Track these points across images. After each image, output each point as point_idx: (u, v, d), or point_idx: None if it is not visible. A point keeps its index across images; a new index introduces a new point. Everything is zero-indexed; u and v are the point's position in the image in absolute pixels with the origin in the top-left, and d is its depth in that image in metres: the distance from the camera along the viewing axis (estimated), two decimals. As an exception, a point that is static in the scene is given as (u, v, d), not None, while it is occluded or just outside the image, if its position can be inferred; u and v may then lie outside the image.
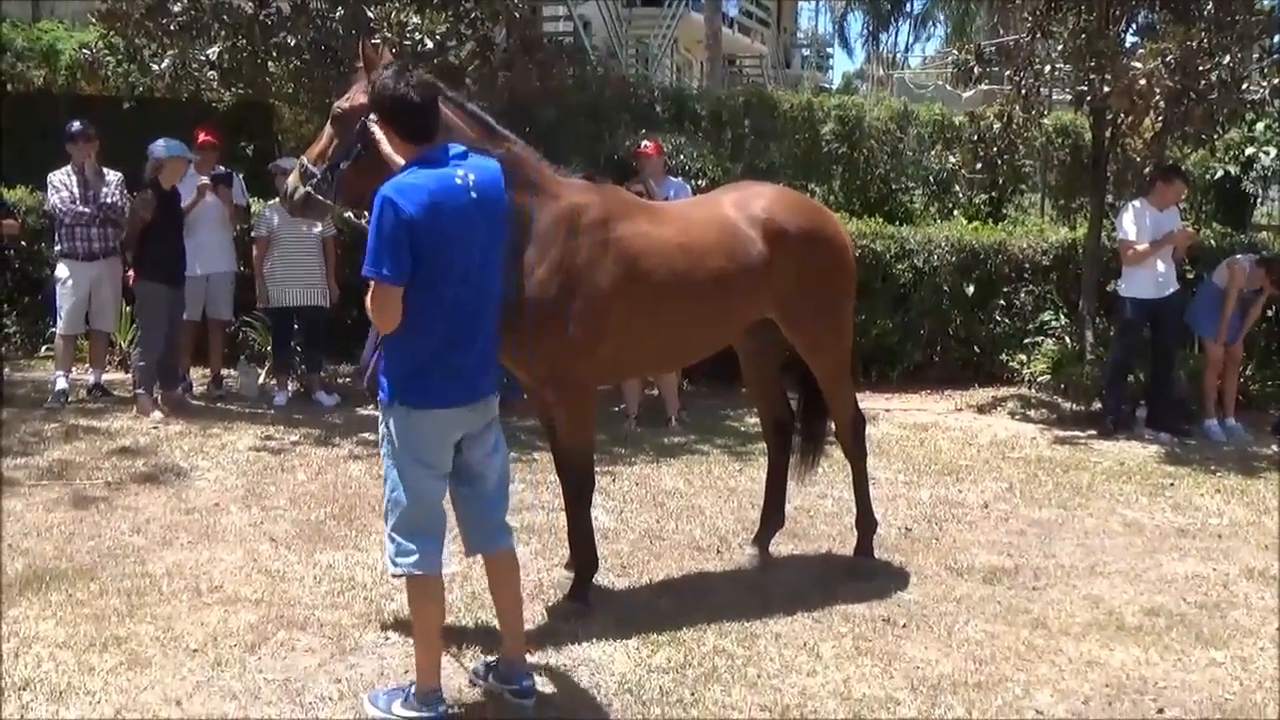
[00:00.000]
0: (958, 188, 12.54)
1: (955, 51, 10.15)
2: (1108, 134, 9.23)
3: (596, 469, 4.89)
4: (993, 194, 12.60)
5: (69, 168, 8.33)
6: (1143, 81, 7.87)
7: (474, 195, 3.57)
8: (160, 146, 8.07)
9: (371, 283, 3.51)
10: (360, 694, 3.90)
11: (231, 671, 4.08)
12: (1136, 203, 8.49)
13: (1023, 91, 9.01)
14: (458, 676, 4.04)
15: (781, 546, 5.57)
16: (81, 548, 5.31)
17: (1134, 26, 9.49)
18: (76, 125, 8.34)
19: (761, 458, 5.77)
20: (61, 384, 8.27)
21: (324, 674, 4.08)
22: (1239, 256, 8.72)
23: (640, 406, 8.39)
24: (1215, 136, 9.59)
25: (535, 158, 4.55)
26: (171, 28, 8.23)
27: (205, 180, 8.45)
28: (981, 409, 9.25)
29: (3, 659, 4.10)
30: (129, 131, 8.91)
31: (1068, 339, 9.37)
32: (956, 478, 7.10)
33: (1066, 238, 10.37)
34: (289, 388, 8.69)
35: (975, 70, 9.47)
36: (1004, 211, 12.60)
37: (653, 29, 25.75)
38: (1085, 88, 8.54)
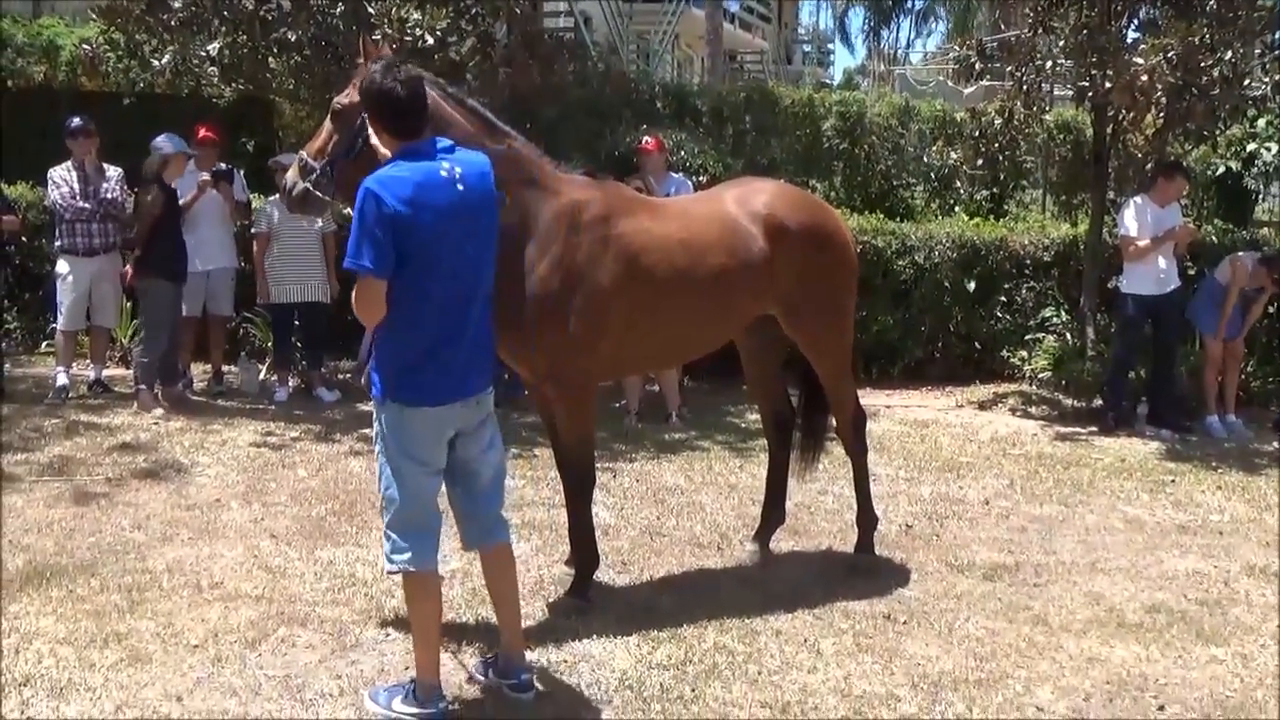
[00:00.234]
0: (959, 184, 12.51)
1: (956, 47, 10.11)
2: (1109, 130, 9.22)
3: (597, 465, 4.89)
4: (994, 190, 12.58)
5: (69, 163, 8.33)
6: (1144, 77, 7.86)
7: (460, 188, 3.55)
8: (165, 142, 8.07)
9: (356, 275, 3.50)
10: (361, 690, 3.90)
11: (232, 668, 4.08)
12: (1138, 199, 8.48)
13: (1024, 87, 9.00)
14: (458, 673, 4.04)
15: (782, 543, 5.57)
16: (82, 544, 5.32)
17: (1136, 22, 9.47)
18: (77, 121, 8.33)
19: (762, 454, 5.77)
20: (62, 380, 8.28)
21: (324, 670, 4.08)
22: (1242, 254, 8.71)
23: (641, 402, 8.39)
24: (1217, 133, 9.58)
25: (536, 154, 4.55)
26: (172, 23, 8.23)
27: (206, 177, 8.44)
28: (982, 405, 9.25)
29: (3, 655, 4.10)
30: (129, 127, 8.92)
31: (1069, 335, 9.36)
32: (957, 474, 7.10)
33: (1068, 234, 10.36)
34: (289, 383, 8.69)
35: (977, 66, 9.45)
36: (1005, 208, 12.58)
37: (654, 24, 25.76)
38: (1087, 83, 8.54)
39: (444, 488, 3.81)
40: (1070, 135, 12.46)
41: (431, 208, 3.47)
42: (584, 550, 4.76)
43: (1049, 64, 8.97)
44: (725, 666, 4.20)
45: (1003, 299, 9.98)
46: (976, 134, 9.71)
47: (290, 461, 6.86)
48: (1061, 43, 8.74)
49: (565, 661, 4.18)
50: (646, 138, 8.74)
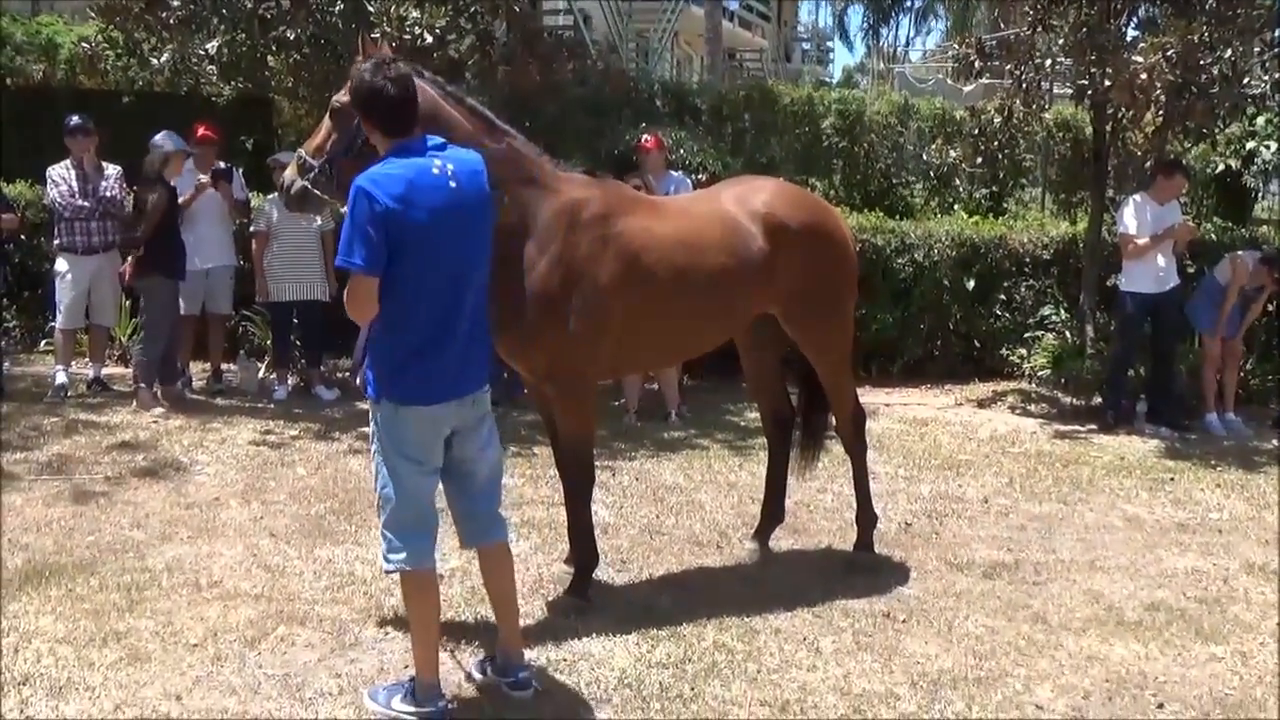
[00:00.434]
0: (958, 182, 12.52)
1: (956, 45, 10.12)
2: (1108, 128, 9.22)
3: (596, 464, 4.89)
4: (993, 188, 12.59)
5: (68, 162, 8.32)
6: (1144, 76, 7.85)
7: (453, 185, 3.55)
8: (165, 140, 8.07)
9: (348, 273, 3.50)
10: (360, 689, 3.90)
11: (231, 666, 4.08)
12: (1137, 197, 8.48)
13: (1023, 86, 9.00)
14: (457, 671, 4.04)
15: (781, 541, 5.57)
16: (81, 542, 5.31)
17: (1135, 20, 9.48)
18: (75, 119, 8.32)
19: (761, 452, 5.77)
20: (61, 378, 8.27)
21: (324, 669, 4.08)
22: (1242, 253, 8.70)
23: (640, 401, 8.39)
24: (1216, 131, 9.57)
25: (535, 152, 4.54)
26: (171, 22, 8.23)
27: (204, 178, 8.43)
28: (982, 404, 9.25)
29: (2, 654, 4.10)
30: (128, 126, 8.91)
31: (1068, 334, 9.36)
32: (956, 472, 7.10)
33: (1067, 232, 10.36)
34: (289, 382, 8.68)
35: (976, 64, 9.44)
36: (1004, 206, 12.59)
37: (653, 23, 25.73)
38: (1086, 82, 8.53)
39: (442, 486, 3.81)
40: (1069, 133, 12.48)
41: (424, 205, 3.47)
42: (583, 549, 4.76)
43: (1048, 62, 8.97)
44: (725, 665, 4.20)
45: (1002, 297, 9.98)
46: (976, 132, 9.70)
47: (289, 460, 6.85)
48: (1061, 41, 8.74)
49: (564, 660, 4.18)
50: (646, 136, 8.73)
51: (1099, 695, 4.10)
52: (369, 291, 3.48)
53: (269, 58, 8.45)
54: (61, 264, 8.34)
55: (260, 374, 8.99)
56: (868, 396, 7.46)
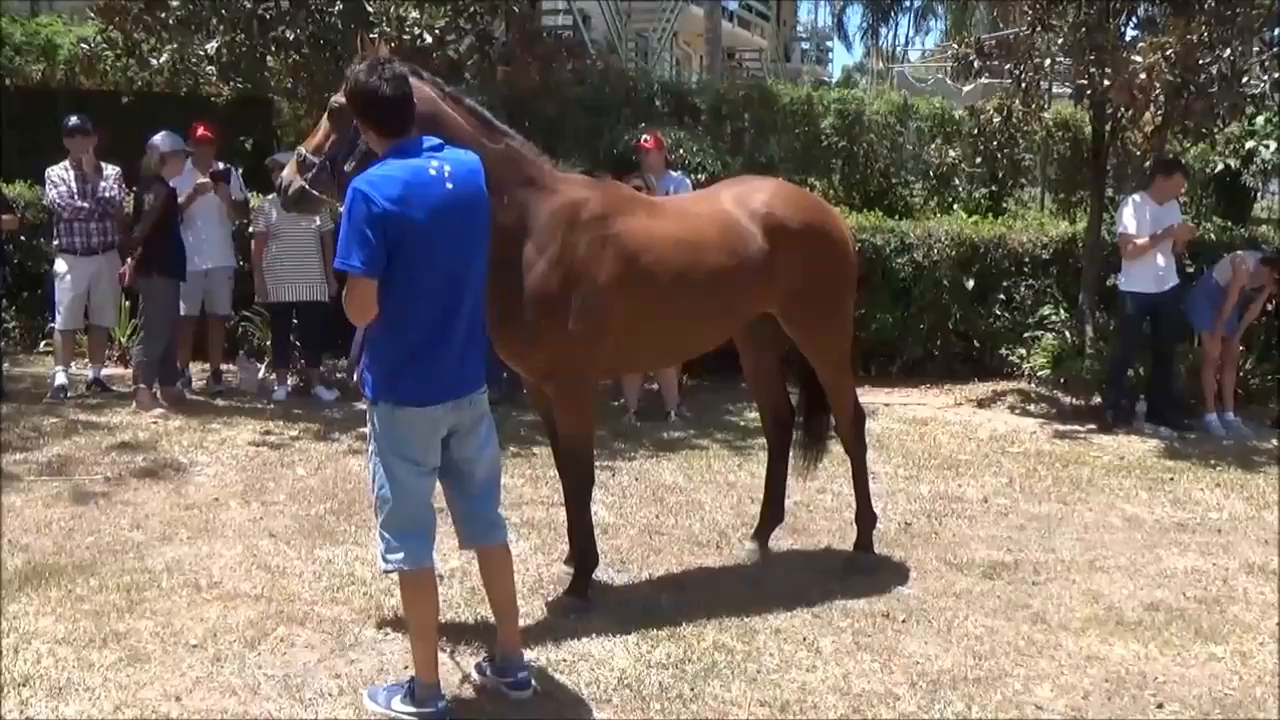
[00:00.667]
0: (957, 182, 12.53)
1: (955, 45, 10.12)
2: (1108, 128, 9.21)
3: (596, 464, 4.89)
4: (993, 188, 12.58)
5: (67, 162, 8.31)
6: (1143, 75, 7.86)
7: (450, 186, 3.54)
8: (163, 140, 8.07)
9: (346, 276, 3.50)
10: (360, 690, 3.90)
11: (231, 667, 4.07)
12: (1136, 197, 8.48)
13: (1023, 85, 9.00)
14: (456, 672, 4.04)
15: (781, 541, 5.57)
16: (81, 543, 5.31)
17: (1134, 20, 9.48)
18: (74, 120, 8.31)
19: (761, 452, 5.77)
20: (61, 379, 8.27)
21: (324, 670, 4.07)
22: (1243, 253, 8.69)
23: (640, 401, 8.39)
24: (1215, 130, 9.57)
25: (534, 153, 4.54)
26: (170, 22, 8.23)
27: (204, 180, 8.42)
28: (981, 403, 9.25)
29: (2, 655, 4.10)
30: (128, 126, 8.90)
31: (1067, 333, 9.36)
32: (956, 472, 7.10)
33: (1066, 232, 10.36)
34: (288, 382, 8.68)
35: (975, 64, 9.45)
36: (1004, 206, 12.58)
37: (652, 23, 25.75)
38: (1085, 81, 8.53)
39: (440, 487, 3.81)
40: (1069, 133, 12.47)
41: (421, 206, 3.46)
42: (583, 549, 4.76)
43: (1047, 62, 8.97)
44: (724, 665, 4.20)
45: (1001, 297, 9.98)
46: (975, 132, 9.71)
47: (289, 460, 6.85)
48: (1060, 40, 8.74)
49: (564, 660, 4.18)
50: (645, 136, 8.74)
51: (1098, 695, 4.10)
52: (368, 294, 3.48)
53: (268, 58, 8.45)
54: (61, 265, 8.34)
55: (260, 374, 8.99)
56: (867, 396, 7.46)
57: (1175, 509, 6.47)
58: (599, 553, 4.89)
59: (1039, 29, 8.91)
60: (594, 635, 4.37)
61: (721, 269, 4.74)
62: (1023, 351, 9.62)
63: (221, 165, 8.71)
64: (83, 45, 9.34)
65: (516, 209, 4.35)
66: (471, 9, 8.44)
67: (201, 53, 8.28)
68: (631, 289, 4.53)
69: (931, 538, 5.80)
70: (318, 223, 8.30)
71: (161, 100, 10.04)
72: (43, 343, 9.57)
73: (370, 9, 7.82)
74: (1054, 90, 10.03)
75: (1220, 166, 12.57)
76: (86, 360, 8.73)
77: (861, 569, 5.22)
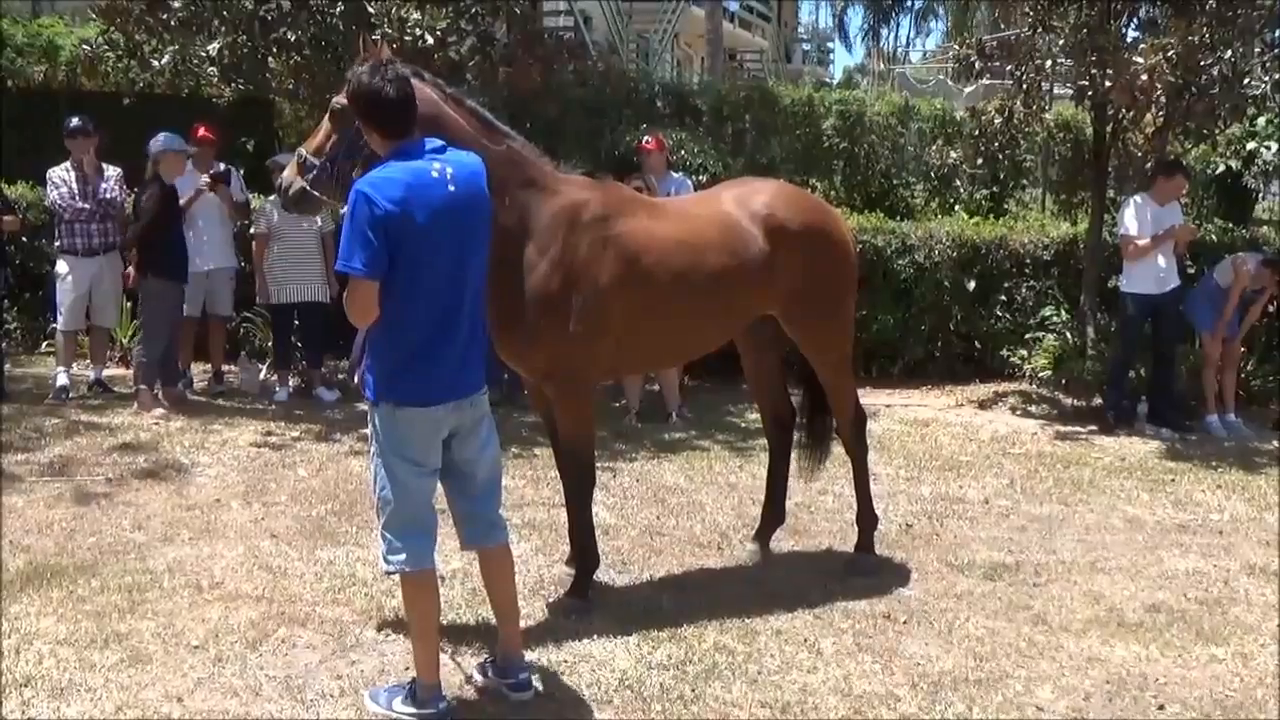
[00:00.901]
0: (959, 183, 12.51)
1: (956, 46, 10.12)
2: (1109, 129, 9.21)
3: (597, 465, 4.89)
4: (994, 189, 12.57)
5: (68, 163, 8.32)
6: (1144, 76, 7.86)
7: (452, 189, 3.55)
8: (161, 140, 8.08)
9: (348, 278, 3.50)
10: (361, 690, 3.90)
11: (232, 668, 4.08)
12: (1138, 198, 8.47)
13: (1024, 86, 9.00)
14: (457, 673, 4.04)
15: (782, 543, 5.57)
16: (82, 544, 5.32)
17: (1135, 21, 9.48)
18: (75, 121, 8.32)
19: (762, 453, 5.77)
20: (62, 380, 8.28)
21: (325, 671, 4.08)
22: (1244, 255, 8.68)
23: (641, 402, 8.39)
24: (1216, 132, 9.58)
25: (535, 154, 4.55)
26: (172, 23, 8.23)
27: (204, 180, 8.42)
28: (982, 404, 9.25)
29: (4, 655, 4.11)
30: (129, 127, 8.91)
31: (1069, 334, 9.36)
32: (957, 473, 7.10)
33: (1068, 233, 10.36)
34: (290, 383, 8.69)
35: (976, 65, 9.45)
36: (1005, 207, 12.57)
37: (653, 23, 25.75)
38: (1087, 83, 8.53)
39: (441, 488, 3.81)
40: (1070, 134, 12.46)
41: (423, 208, 3.47)
42: (584, 550, 4.76)
43: (1049, 63, 8.97)
44: (725, 666, 4.20)
45: (1003, 298, 9.98)
46: (976, 133, 9.71)
47: (291, 461, 6.86)
48: (1061, 42, 8.74)
49: (565, 661, 4.18)
50: (647, 137, 8.74)
51: (1100, 697, 4.09)
52: (370, 296, 3.49)
53: (270, 59, 8.45)
54: (62, 266, 8.35)
55: (261, 375, 9.00)
56: (868, 397, 7.46)
57: (1176, 510, 6.47)
58: (600, 554, 4.89)
59: (1040, 30, 8.91)
60: (595, 636, 4.37)
61: (722, 270, 4.74)
62: (1024, 353, 9.62)
63: (222, 166, 8.71)
64: (84, 46, 9.35)
65: (518, 210, 4.35)
66: (473, 10, 8.44)
67: (203, 54, 8.28)
68: (632, 290, 4.53)
69: (933, 539, 5.80)
70: (319, 224, 8.31)
71: (163, 101, 10.04)
72: (44, 344, 9.59)
73: (372, 10, 7.82)
74: (1055, 91, 10.03)
75: (1221, 168, 12.57)
76: (88, 361, 8.74)
77: (862, 570, 5.22)
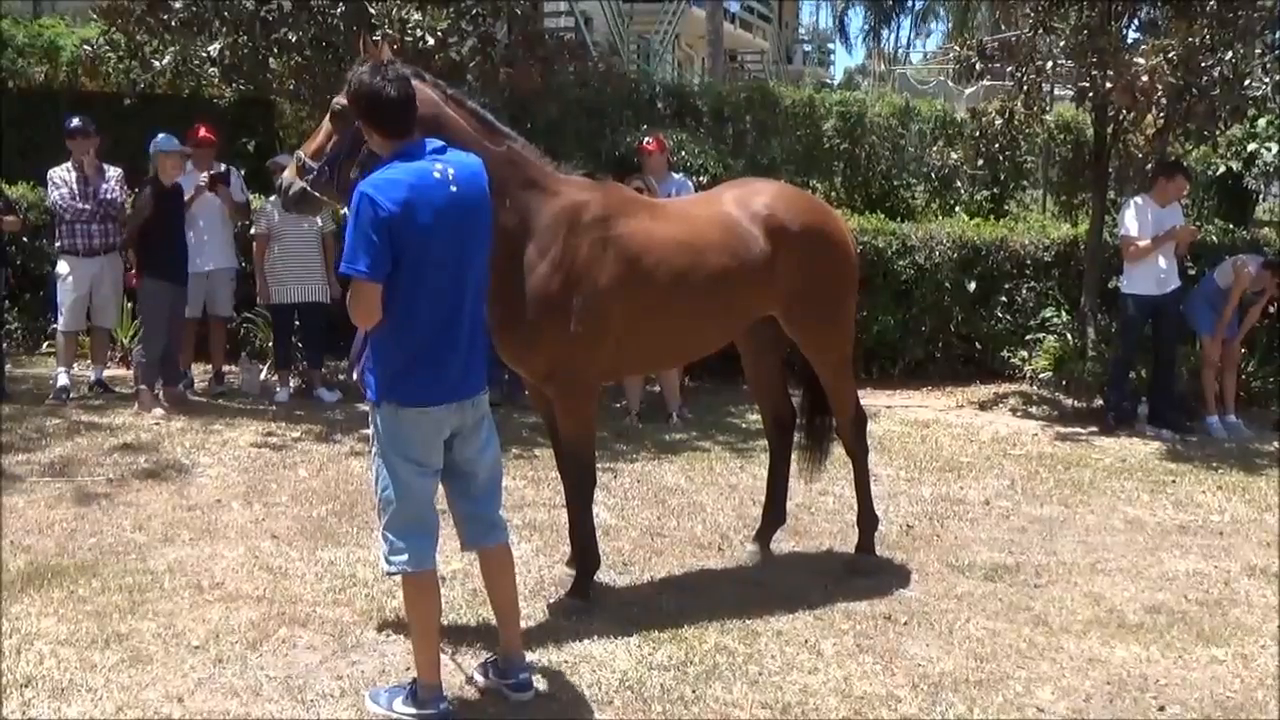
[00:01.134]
0: (959, 184, 12.52)
1: (957, 47, 10.12)
2: (1110, 130, 9.22)
3: (598, 465, 4.89)
4: (994, 190, 12.58)
5: (69, 164, 8.33)
6: (1145, 78, 7.86)
7: (454, 189, 3.56)
8: (159, 141, 8.09)
9: (351, 280, 3.51)
10: (362, 691, 3.90)
11: (233, 669, 4.08)
12: (1138, 199, 8.48)
13: (1024, 87, 9.00)
14: (458, 673, 4.04)
15: (783, 544, 5.57)
16: (83, 544, 5.32)
17: (1136, 22, 9.48)
18: (76, 121, 8.33)
19: (763, 454, 5.77)
20: (63, 380, 8.28)
21: (326, 671, 4.08)
22: (1245, 257, 8.68)
23: (642, 403, 8.39)
24: (1217, 133, 9.57)
25: (536, 155, 4.55)
26: (173, 24, 8.23)
27: (203, 178, 8.43)
28: (983, 406, 9.25)
29: (4, 656, 4.11)
30: (130, 128, 8.91)
31: (1069, 335, 9.37)
32: (958, 475, 7.10)
33: (1068, 234, 10.37)
34: (290, 384, 8.70)
35: (977, 66, 9.45)
36: (1006, 208, 12.58)
37: (654, 24, 25.77)
38: (1087, 84, 8.53)
39: (442, 489, 3.81)
40: (1071, 135, 12.47)
41: (426, 209, 3.47)
42: (585, 551, 4.76)
43: (1049, 64, 8.97)
44: (726, 667, 4.20)
45: (1003, 299, 9.98)
46: (977, 134, 9.72)
47: (291, 462, 6.86)
48: (1062, 43, 8.74)
49: (566, 662, 4.18)
50: (648, 138, 8.74)
51: (1100, 698, 4.09)
52: (373, 298, 3.49)
53: (270, 60, 8.45)
54: (63, 266, 8.36)
55: (262, 376, 9.00)
56: (869, 398, 7.47)
57: (1177, 511, 6.47)
58: (601, 554, 4.89)
59: (1041, 31, 8.91)
60: (596, 637, 4.37)
61: (723, 271, 4.74)
62: (1024, 354, 9.63)
63: (223, 167, 8.72)
64: (85, 47, 9.34)
65: (518, 211, 4.35)
66: (473, 11, 8.44)
67: (204, 54, 8.28)
68: (633, 291, 4.54)
69: (933, 540, 5.80)
70: (319, 224, 8.32)
71: (164, 102, 10.04)
72: (45, 344, 9.59)
73: (372, 11, 7.82)
74: (1056, 92, 10.03)
75: (1222, 169, 12.57)
76: (88, 361, 8.74)
77: (863, 571, 5.22)
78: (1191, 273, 9.15)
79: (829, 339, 5.16)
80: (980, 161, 10.11)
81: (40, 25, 13.10)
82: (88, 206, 8.23)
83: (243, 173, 9.18)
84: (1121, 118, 9.02)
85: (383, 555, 3.70)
